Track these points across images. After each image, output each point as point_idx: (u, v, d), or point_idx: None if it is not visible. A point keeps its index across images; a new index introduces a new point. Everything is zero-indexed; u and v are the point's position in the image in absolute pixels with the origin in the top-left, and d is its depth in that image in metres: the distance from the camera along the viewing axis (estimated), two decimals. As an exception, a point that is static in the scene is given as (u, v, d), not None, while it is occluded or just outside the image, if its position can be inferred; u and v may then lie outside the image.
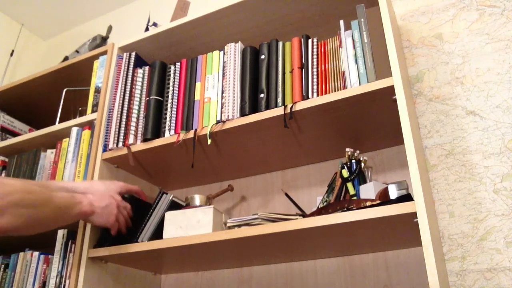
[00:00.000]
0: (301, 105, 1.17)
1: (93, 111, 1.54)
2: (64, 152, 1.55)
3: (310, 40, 1.26)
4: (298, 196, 1.45)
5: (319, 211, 1.09)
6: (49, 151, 1.64)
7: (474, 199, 1.24)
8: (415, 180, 0.94)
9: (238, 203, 1.58)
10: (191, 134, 1.29)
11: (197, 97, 1.35)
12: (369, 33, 1.17)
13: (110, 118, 1.44)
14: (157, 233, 1.27)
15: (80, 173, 1.46)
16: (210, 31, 1.50)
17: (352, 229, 1.06)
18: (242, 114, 1.25)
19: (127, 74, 1.48)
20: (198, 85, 1.37)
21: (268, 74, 1.28)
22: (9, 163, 1.74)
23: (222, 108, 1.29)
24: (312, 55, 1.24)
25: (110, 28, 1.98)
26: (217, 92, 1.32)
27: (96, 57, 1.65)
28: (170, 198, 1.31)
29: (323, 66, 1.22)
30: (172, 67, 1.44)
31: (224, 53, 1.36)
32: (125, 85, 1.46)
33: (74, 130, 1.55)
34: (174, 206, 1.31)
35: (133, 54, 1.51)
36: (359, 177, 1.19)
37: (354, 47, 1.17)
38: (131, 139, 1.38)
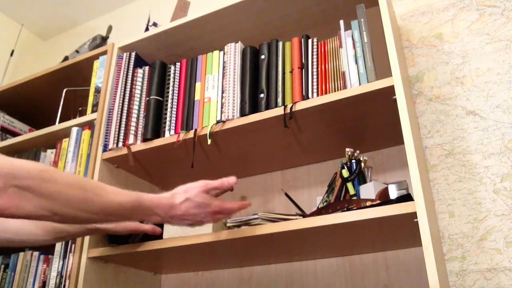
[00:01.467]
0: (301, 105, 1.16)
1: (93, 111, 1.54)
2: (64, 152, 1.55)
3: (310, 40, 1.26)
4: (298, 196, 1.45)
5: (319, 211, 1.09)
6: (49, 151, 1.64)
7: (474, 199, 1.24)
8: (415, 180, 0.94)
9: (238, 203, 1.58)
10: (191, 134, 1.29)
11: (197, 97, 1.35)
12: (369, 33, 1.17)
13: (110, 118, 1.44)
14: (149, 237, 1.25)
15: (80, 173, 1.46)
16: (210, 31, 1.50)
17: (352, 229, 1.06)
18: (242, 114, 1.25)
19: (127, 74, 1.47)
20: (198, 85, 1.37)
21: (268, 74, 1.27)
22: (9, 163, 1.74)
23: (222, 108, 1.29)
24: (312, 55, 1.24)
25: (110, 28, 1.98)
26: (217, 92, 1.32)
27: (96, 57, 1.65)
28: None
29: (323, 66, 1.22)
30: (172, 67, 1.44)
31: (224, 53, 1.36)
32: (125, 85, 1.46)
33: (74, 130, 1.55)
34: None
35: (133, 54, 1.51)
36: (359, 177, 1.19)
37: (354, 47, 1.17)
38: (131, 139, 1.38)
